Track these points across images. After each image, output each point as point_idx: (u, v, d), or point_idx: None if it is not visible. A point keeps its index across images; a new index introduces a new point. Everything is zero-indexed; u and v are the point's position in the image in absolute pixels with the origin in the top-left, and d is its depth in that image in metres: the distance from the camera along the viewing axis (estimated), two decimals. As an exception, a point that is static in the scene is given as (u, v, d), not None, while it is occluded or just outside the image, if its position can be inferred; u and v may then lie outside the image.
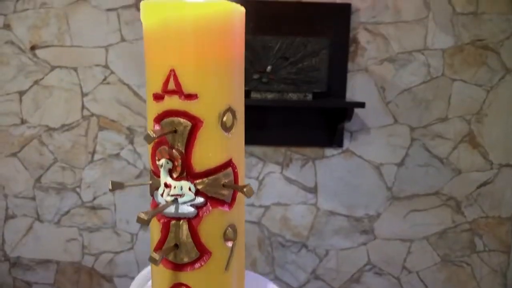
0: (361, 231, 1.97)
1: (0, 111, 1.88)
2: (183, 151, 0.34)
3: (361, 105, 1.66)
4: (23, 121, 1.89)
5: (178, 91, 0.34)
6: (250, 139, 1.88)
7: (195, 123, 0.34)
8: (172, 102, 0.35)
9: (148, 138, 0.32)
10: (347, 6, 1.80)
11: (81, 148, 1.91)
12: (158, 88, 0.35)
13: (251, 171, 1.92)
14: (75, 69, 1.87)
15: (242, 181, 0.37)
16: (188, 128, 0.34)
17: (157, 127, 0.35)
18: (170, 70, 0.34)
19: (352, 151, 1.91)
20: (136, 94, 1.87)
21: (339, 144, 1.89)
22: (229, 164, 0.36)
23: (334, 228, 1.96)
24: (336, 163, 1.92)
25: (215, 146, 0.35)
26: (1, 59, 1.85)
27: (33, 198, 1.93)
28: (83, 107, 1.88)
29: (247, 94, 1.70)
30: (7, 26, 1.84)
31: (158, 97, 0.35)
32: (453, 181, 1.93)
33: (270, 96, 1.69)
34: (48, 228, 1.95)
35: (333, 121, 1.84)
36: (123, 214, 1.94)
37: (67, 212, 1.94)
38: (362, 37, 1.84)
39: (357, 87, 1.86)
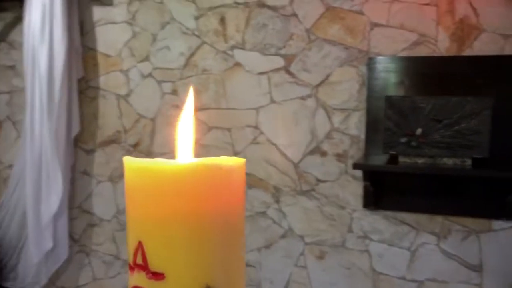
0: (542, 325, 1.61)
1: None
2: None
3: (534, 175, 1.38)
4: (183, 177, 2.05)
5: (144, 267, 0.30)
6: (399, 204, 1.72)
7: None
8: (140, 279, 0.30)
9: None
10: (519, 57, 1.56)
11: (231, 205, 1.98)
12: (130, 259, 0.31)
13: (402, 240, 1.74)
14: (229, 130, 1.97)
15: None
16: None
17: None
18: (138, 242, 0.30)
19: (528, 225, 1.60)
20: (283, 154, 1.89)
21: (510, 216, 1.60)
22: None
23: (505, 316, 1.64)
24: (507, 238, 1.63)
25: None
26: (168, 121, 2.07)
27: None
28: (234, 165, 1.97)
29: (394, 159, 1.57)
30: (174, 92, 2.06)
31: (131, 268, 0.31)
32: None
33: (420, 161, 1.53)
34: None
35: (501, 191, 1.57)
36: (267, 273, 1.94)
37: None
38: (540, 91, 1.56)
39: (533, 150, 1.57)
